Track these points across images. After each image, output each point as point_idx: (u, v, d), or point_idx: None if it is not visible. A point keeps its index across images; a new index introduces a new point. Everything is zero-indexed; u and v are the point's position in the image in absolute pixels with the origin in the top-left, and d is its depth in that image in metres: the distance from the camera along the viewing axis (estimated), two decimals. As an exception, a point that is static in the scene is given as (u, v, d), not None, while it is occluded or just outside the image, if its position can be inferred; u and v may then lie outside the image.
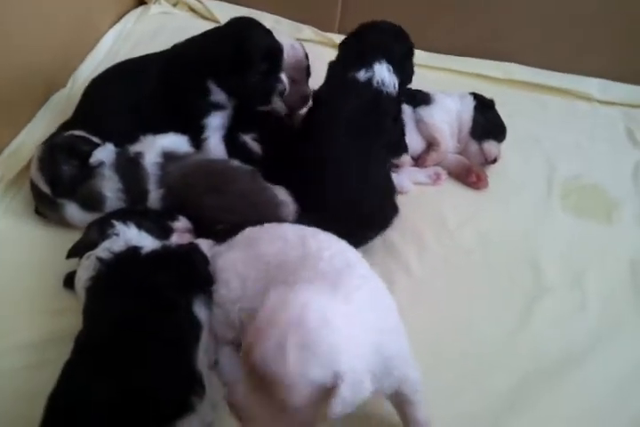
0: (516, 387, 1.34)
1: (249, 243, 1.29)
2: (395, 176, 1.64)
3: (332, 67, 1.62)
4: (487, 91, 1.92)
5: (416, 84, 1.79)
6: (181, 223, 1.42)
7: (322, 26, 2.27)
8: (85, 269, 1.29)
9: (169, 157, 1.52)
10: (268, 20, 2.12)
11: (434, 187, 1.76)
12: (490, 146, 1.79)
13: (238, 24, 1.61)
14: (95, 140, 1.56)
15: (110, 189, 1.50)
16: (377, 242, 1.55)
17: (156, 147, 1.53)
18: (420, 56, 2.15)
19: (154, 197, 1.49)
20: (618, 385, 1.36)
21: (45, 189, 1.51)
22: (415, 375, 1.12)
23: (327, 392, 0.91)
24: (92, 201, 1.51)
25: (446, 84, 2.02)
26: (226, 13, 2.21)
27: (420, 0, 2.17)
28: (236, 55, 1.53)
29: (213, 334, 1.26)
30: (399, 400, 1.16)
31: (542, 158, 1.91)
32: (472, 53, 2.22)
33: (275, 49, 1.58)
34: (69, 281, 1.36)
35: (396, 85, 1.57)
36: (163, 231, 1.38)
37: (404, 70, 1.63)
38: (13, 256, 1.51)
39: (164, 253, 1.29)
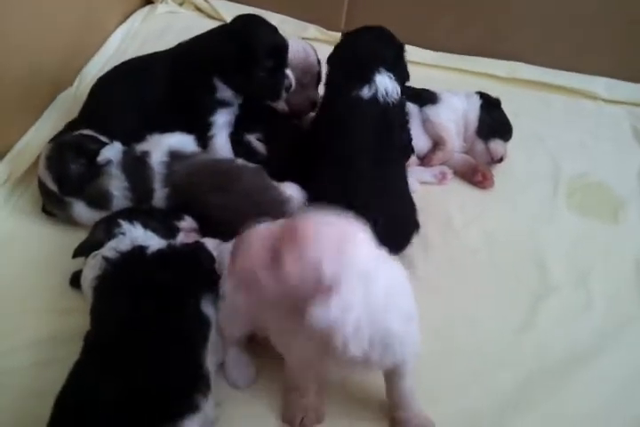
0: (520, 386, 1.34)
1: None
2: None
3: (331, 87, 1.60)
4: (492, 89, 1.92)
5: (422, 83, 1.81)
6: (187, 223, 1.43)
7: (328, 25, 2.27)
8: (91, 268, 1.29)
9: (175, 157, 1.52)
10: (273, 19, 2.09)
11: (439, 186, 1.76)
12: (496, 145, 1.78)
13: (243, 21, 1.62)
14: (103, 139, 1.57)
15: (117, 187, 1.51)
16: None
17: (162, 146, 1.54)
18: (425, 55, 2.19)
19: (159, 195, 1.50)
20: (622, 384, 1.36)
21: (53, 187, 1.51)
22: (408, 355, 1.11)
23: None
24: (99, 199, 1.51)
25: (451, 83, 2.02)
26: (232, 12, 2.18)
27: (423, -1, 2.17)
28: (242, 52, 1.53)
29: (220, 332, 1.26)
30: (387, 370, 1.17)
31: (548, 157, 1.90)
32: (474, 53, 2.22)
33: (280, 45, 1.59)
34: (76, 280, 1.37)
35: (399, 91, 1.56)
36: (169, 231, 1.38)
37: (402, 71, 1.62)
38: (21, 255, 1.52)
39: (170, 252, 1.30)
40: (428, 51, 2.22)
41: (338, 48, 1.64)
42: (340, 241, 0.91)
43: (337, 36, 2.19)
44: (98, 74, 1.84)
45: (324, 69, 1.66)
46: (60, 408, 1.07)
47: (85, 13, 1.98)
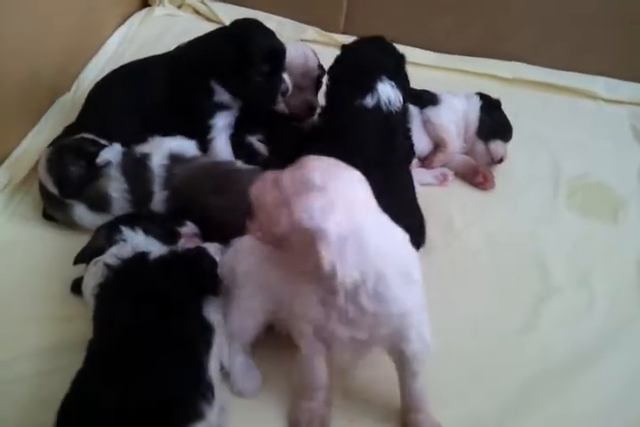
0: (523, 388, 1.34)
1: None
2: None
3: (333, 97, 1.60)
4: (492, 90, 1.92)
5: (422, 84, 1.80)
6: (188, 228, 1.42)
7: (327, 26, 2.26)
8: (93, 275, 1.28)
9: (175, 160, 1.52)
10: (272, 21, 2.13)
11: (440, 187, 1.76)
12: (496, 146, 1.78)
13: (241, 25, 1.62)
14: (103, 142, 1.56)
15: (116, 189, 1.51)
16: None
17: (163, 149, 1.54)
18: (425, 56, 2.19)
19: (158, 198, 1.50)
20: (626, 384, 1.36)
21: (53, 189, 1.51)
22: (419, 344, 1.14)
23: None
24: (99, 202, 1.51)
25: (452, 84, 2.02)
26: (230, 15, 2.20)
27: (423, 0, 2.17)
28: (238, 56, 1.54)
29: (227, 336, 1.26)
30: (400, 366, 1.19)
31: (548, 157, 1.90)
32: (474, 53, 2.22)
33: (277, 49, 1.59)
34: (77, 287, 1.36)
35: (401, 99, 1.57)
36: (170, 236, 1.38)
37: (403, 80, 1.62)
38: (21, 261, 1.51)
39: (172, 258, 1.29)
40: (427, 51, 2.22)
41: (339, 59, 1.64)
42: (331, 164, 1.05)
43: (336, 37, 2.21)
44: (95, 78, 1.84)
45: (325, 78, 1.67)
46: (63, 417, 1.07)
47: (82, 17, 1.98)
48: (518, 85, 2.15)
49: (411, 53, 1.98)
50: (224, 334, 1.25)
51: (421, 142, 1.76)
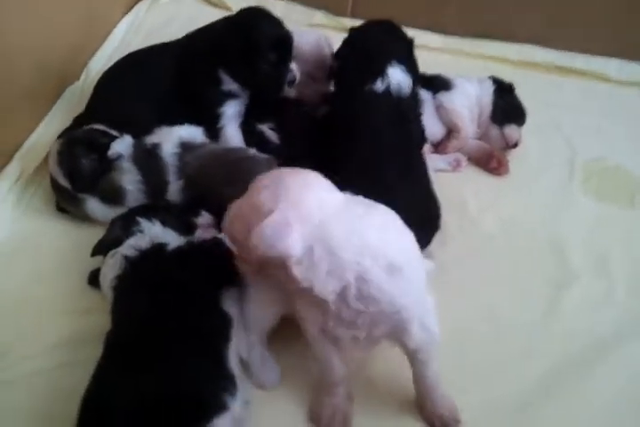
0: (543, 374, 1.33)
1: None
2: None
3: (342, 82, 1.59)
4: (503, 73, 1.90)
5: (432, 68, 1.78)
6: (204, 218, 1.40)
7: (334, 10, 2.23)
8: (111, 267, 1.28)
9: (186, 148, 1.51)
10: (279, 6, 2.10)
11: (454, 173, 1.74)
12: (511, 130, 1.76)
13: (248, 14, 1.60)
14: (113, 132, 1.55)
15: (130, 181, 1.50)
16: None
17: (173, 137, 1.52)
18: (434, 39, 2.16)
19: (173, 188, 1.49)
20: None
21: (65, 183, 1.50)
22: (423, 334, 1.11)
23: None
24: (112, 194, 1.50)
25: (461, 68, 2.00)
26: (236, 0, 2.19)
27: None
28: (245, 45, 1.53)
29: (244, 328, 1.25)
30: (409, 356, 1.18)
31: (562, 141, 1.88)
32: (483, 36, 2.18)
33: (284, 38, 1.57)
34: (94, 279, 1.36)
35: (411, 84, 1.55)
36: (187, 227, 1.37)
37: (413, 65, 1.60)
38: (37, 254, 1.50)
39: (190, 249, 1.28)
40: (436, 34, 2.19)
41: (347, 42, 1.62)
42: (279, 176, 1.05)
43: (344, 21, 2.18)
44: (103, 67, 1.83)
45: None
46: (85, 411, 1.07)
47: (88, 6, 1.96)
48: (529, 68, 2.12)
49: (419, 36, 1.95)
50: (241, 326, 1.25)
51: (434, 128, 1.74)
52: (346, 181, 1.36)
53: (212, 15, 1.69)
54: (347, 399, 1.23)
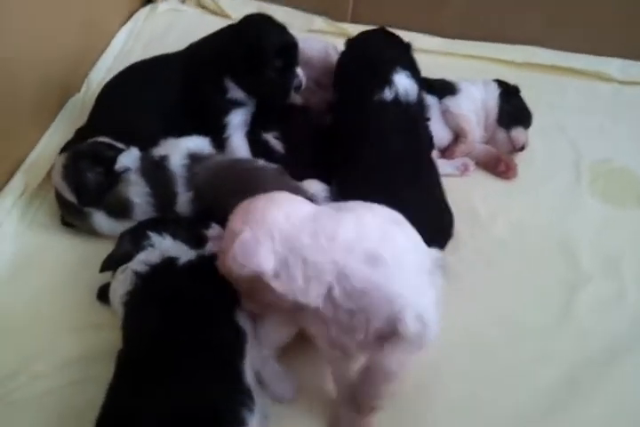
0: (560, 378, 1.31)
1: None
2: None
3: (347, 93, 1.57)
4: (505, 75, 1.88)
5: (433, 71, 1.76)
6: (215, 231, 1.37)
7: (334, 15, 2.22)
8: (121, 282, 1.25)
9: (194, 159, 1.49)
10: (279, 12, 2.08)
11: (462, 178, 1.73)
12: (518, 133, 1.75)
13: (251, 21, 1.59)
14: (119, 145, 1.52)
15: (138, 194, 1.47)
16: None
17: (180, 149, 1.50)
18: (435, 42, 2.15)
19: (182, 199, 1.46)
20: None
21: (71, 198, 1.47)
22: (418, 325, 1.04)
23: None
24: (119, 208, 1.48)
25: (463, 71, 1.98)
26: (235, 8, 2.19)
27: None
28: (250, 52, 1.51)
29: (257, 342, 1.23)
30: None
31: (567, 143, 1.86)
32: (484, 38, 2.17)
33: (289, 44, 1.56)
34: (103, 295, 1.34)
35: (417, 88, 1.54)
36: (197, 240, 1.34)
37: (416, 70, 1.60)
38: (43, 269, 1.47)
39: (201, 262, 1.26)
40: (437, 38, 2.17)
41: (346, 54, 1.62)
42: (248, 204, 1.11)
43: (344, 27, 2.16)
44: (104, 77, 1.82)
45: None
46: (103, 430, 1.05)
47: (86, 17, 1.94)
48: (531, 70, 2.10)
49: (420, 40, 1.98)
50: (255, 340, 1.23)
51: (441, 133, 1.73)
52: (356, 190, 1.37)
53: (212, 24, 1.68)
54: (367, 416, 1.18)
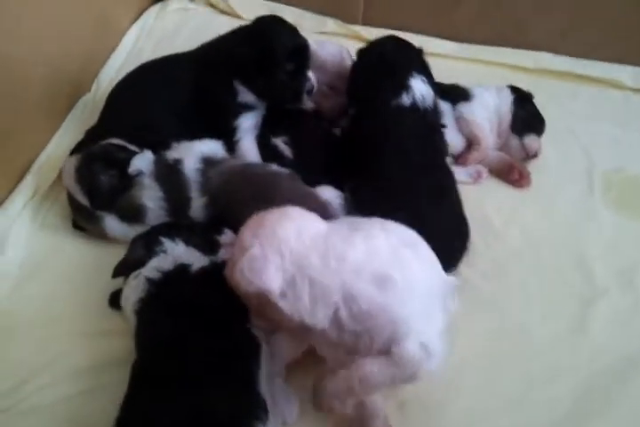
0: (575, 390, 1.31)
1: None
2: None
3: (364, 100, 1.55)
4: (516, 80, 1.87)
5: (444, 75, 1.74)
6: (228, 237, 1.36)
7: (345, 17, 2.20)
8: (134, 289, 1.24)
9: (208, 163, 1.47)
10: (290, 13, 2.07)
11: (475, 186, 1.70)
12: (531, 140, 1.73)
13: (263, 23, 1.57)
14: (132, 147, 1.50)
15: (151, 198, 1.45)
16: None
17: (195, 152, 1.48)
18: (447, 47, 2.13)
19: (196, 204, 1.44)
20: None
21: (84, 201, 1.45)
22: (419, 351, 1.02)
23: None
24: (132, 212, 1.46)
25: (474, 75, 1.97)
26: (245, 7, 2.17)
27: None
28: (262, 54, 1.50)
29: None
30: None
31: (579, 151, 1.84)
32: (496, 43, 2.15)
33: (301, 47, 1.55)
34: (115, 301, 1.32)
35: (433, 93, 1.53)
36: (210, 246, 1.32)
37: (430, 75, 1.59)
38: (54, 274, 1.46)
39: (214, 269, 1.24)
40: (448, 42, 2.15)
41: (361, 62, 1.60)
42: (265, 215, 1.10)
43: (356, 29, 2.15)
44: (115, 77, 1.80)
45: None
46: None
47: (96, 15, 1.92)
48: (542, 76, 2.08)
49: (432, 44, 1.97)
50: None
51: (455, 140, 1.71)
52: (373, 201, 1.36)
53: (221, 23, 1.69)
54: None
